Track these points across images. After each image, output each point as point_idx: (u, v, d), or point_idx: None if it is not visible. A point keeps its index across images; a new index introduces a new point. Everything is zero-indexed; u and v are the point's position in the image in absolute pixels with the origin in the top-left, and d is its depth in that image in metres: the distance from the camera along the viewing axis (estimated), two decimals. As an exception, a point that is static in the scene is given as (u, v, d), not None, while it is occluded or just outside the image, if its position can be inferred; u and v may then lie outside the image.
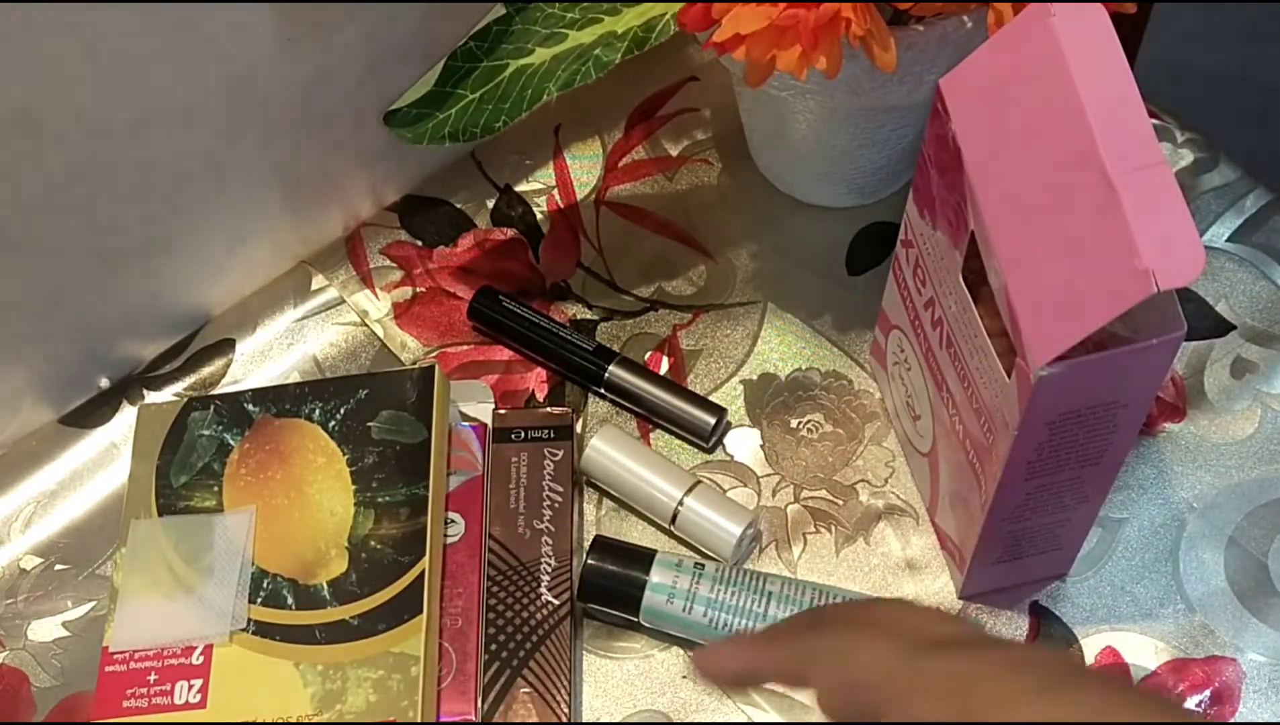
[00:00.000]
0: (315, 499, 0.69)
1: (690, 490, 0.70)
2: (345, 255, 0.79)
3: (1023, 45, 0.53)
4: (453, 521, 0.69)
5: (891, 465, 0.72)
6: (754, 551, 0.71)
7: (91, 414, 0.75)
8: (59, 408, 0.75)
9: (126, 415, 0.75)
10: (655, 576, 0.67)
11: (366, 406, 0.70)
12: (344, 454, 0.69)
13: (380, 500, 0.68)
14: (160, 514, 0.69)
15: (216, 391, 0.75)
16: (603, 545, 0.68)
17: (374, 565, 0.67)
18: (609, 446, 0.71)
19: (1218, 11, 1.11)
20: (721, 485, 0.72)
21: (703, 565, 0.67)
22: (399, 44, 0.72)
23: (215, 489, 0.70)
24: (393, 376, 0.71)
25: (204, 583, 0.67)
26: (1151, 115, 0.52)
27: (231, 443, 0.71)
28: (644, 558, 0.67)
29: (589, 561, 0.68)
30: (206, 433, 0.71)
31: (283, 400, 0.71)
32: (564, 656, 0.66)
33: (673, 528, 0.70)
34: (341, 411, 0.70)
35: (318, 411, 0.71)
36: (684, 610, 0.66)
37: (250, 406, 0.71)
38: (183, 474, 0.70)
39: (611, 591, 0.67)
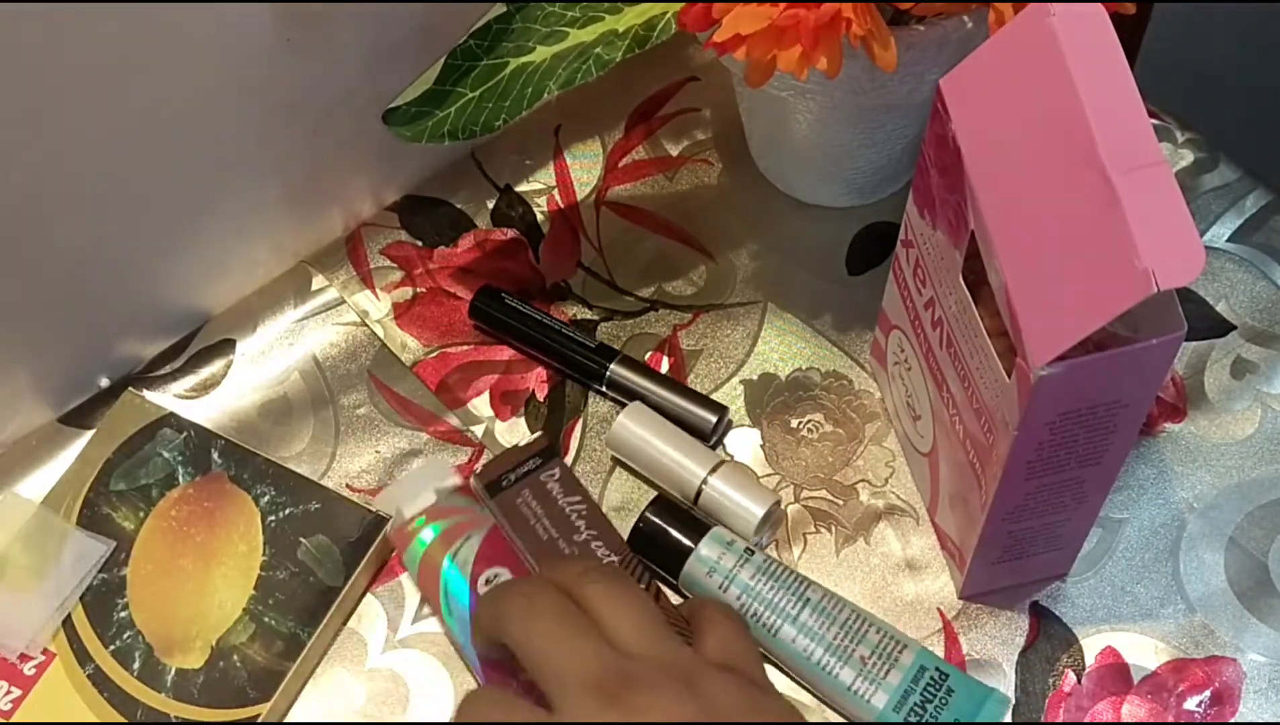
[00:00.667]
0: (214, 582, 0.68)
1: (715, 469, 0.70)
2: (345, 255, 0.79)
3: (1022, 45, 0.53)
4: (497, 575, 0.69)
5: (891, 465, 0.72)
6: (775, 534, 0.71)
7: (91, 413, 0.75)
8: (59, 407, 0.75)
9: (126, 415, 0.75)
10: (704, 548, 0.67)
11: (309, 520, 0.69)
12: (264, 554, 0.68)
13: (266, 620, 0.67)
14: (84, 506, 0.69)
15: (215, 396, 0.75)
16: (664, 505, 0.69)
17: (224, 680, 0.66)
18: (635, 423, 0.71)
19: (1218, 11, 1.11)
20: (721, 485, 0.72)
21: (752, 553, 0.68)
22: (399, 43, 0.72)
23: (140, 515, 0.69)
24: (349, 506, 0.70)
25: (29, 588, 0.67)
26: (1152, 115, 0.52)
27: (180, 479, 0.70)
28: (700, 528, 0.68)
29: (647, 513, 0.68)
30: (165, 455, 0.71)
31: (246, 467, 0.70)
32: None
33: (696, 506, 0.70)
34: (286, 511, 0.69)
35: (267, 498, 0.70)
36: (720, 587, 0.67)
37: (216, 455, 0.71)
38: (123, 481, 0.70)
39: (660, 546, 0.68)
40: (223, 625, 0.67)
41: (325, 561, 0.68)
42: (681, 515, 0.69)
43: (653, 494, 0.71)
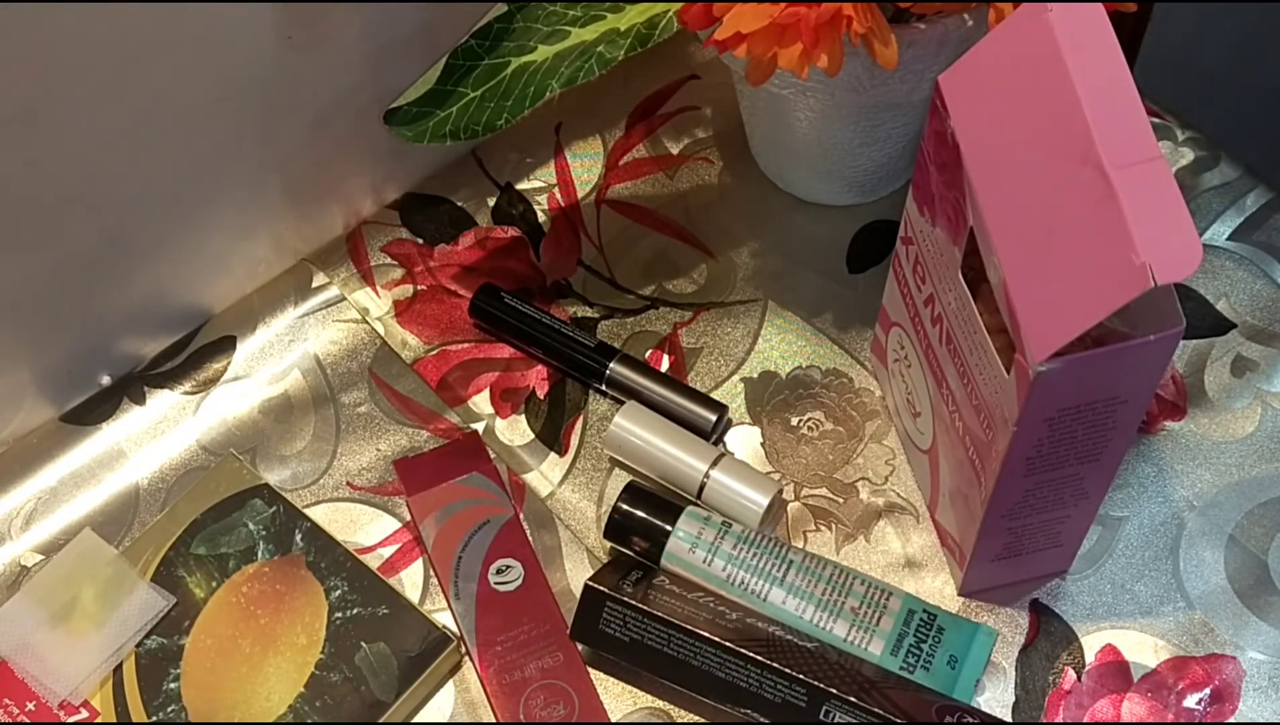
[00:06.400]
0: (267, 670, 0.66)
1: (716, 463, 0.70)
2: (346, 253, 0.79)
3: (1020, 41, 0.53)
4: (509, 566, 0.69)
5: (892, 463, 0.73)
6: (777, 523, 0.71)
7: (93, 411, 0.75)
8: (60, 405, 0.75)
9: (128, 413, 0.75)
10: (683, 524, 0.68)
11: (374, 625, 0.67)
12: (322, 652, 0.67)
13: (310, 721, 0.65)
14: (162, 563, 0.69)
15: (216, 394, 0.75)
16: (636, 490, 0.69)
17: None
18: (633, 423, 0.71)
19: (1218, 11, 1.11)
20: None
21: (730, 524, 0.68)
22: (400, 42, 0.72)
23: (213, 584, 0.68)
24: (416, 617, 0.67)
25: (87, 636, 0.66)
26: (1152, 114, 0.52)
27: (259, 554, 0.69)
28: (674, 508, 0.68)
29: (620, 504, 0.68)
30: (250, 526, 0.70)
31: (325, 555, 0.69)
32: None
33: (700, 501, 0.70)
34: (354, 610, 0.67)
35: (339, 593, 0.68)
36: (704, 562, 0.67)
37: (299, 537, 0.69)
38: (204, 546, 0.69)
39: (638, 531, 0.68)
40: (265, 719, 0.65)
41: (381, 672, 0.66)
42: (654, 499, 0.69)
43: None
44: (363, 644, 0.67)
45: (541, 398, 0.75)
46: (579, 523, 0.72)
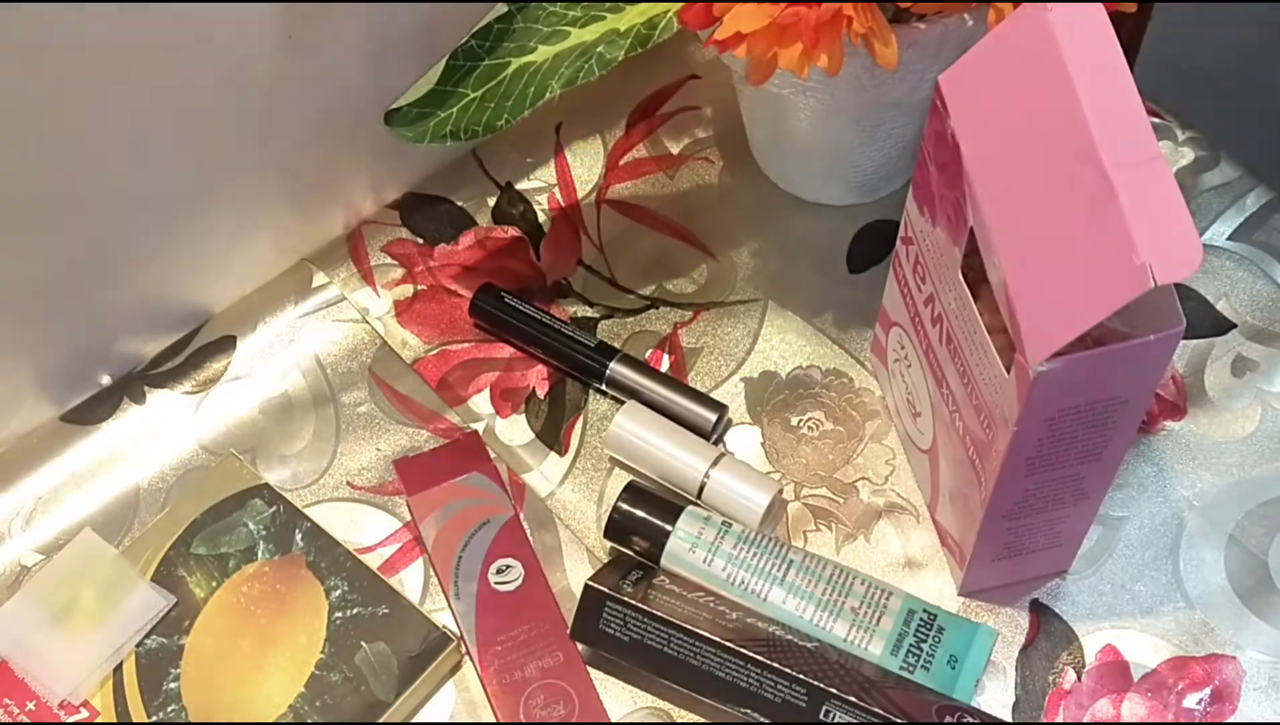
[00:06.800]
0: (267, 670, 0.66)
1: (716, 463, 0.70)
2: (346, 253, 0.79)
3: (1020, 41, 0.53)
4: (509, 566, 0.69)
5: (892, 463, 0.73)
6: (777, 523, 0.71)
7: (93, 411, 0.75)
8: (60, 405, 0.75)
9: (128, 413, 0.75)
10: (683, 524, 0.68)
11: (375, 624, 0.67)
12: (322, 652, 0.66)
13: (310, 721, 0.65)
14: (162, 563, 0.69)
15: (216, 393, 0.75)
16: (636, 490, 0.69)
17: None
18: (633, 423, 0.71)
19: (1218, 11, 1.11)
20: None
21: (730, 524, 0.68)
22: (400, 42, 0.72)
23: (213, 584, 0.68)
24: (416, 617, 0.67)
25: (87, 635, 0.66)
26: (1152, 114, 0.52)
27: (259, 554, 0.69)
28: (674, 508, 0.68)
29: (620, 504, 0.68)
30: (251, 526, 0.69)
31: (325, 555, 0.69)
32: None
33: (700, 500, 0.70)
34: (354, 610, 0.67)
35: (339, 592, 0.68)
36: (704, 562, 0.67)
37: (299, 537, 0.69)
38: (204, 546, 0.69)
39: (638, 531, 0.68)
40: (265, 719, 0.65)
41: (381, 672, 0.66)
42: (654, 499, 0.69)
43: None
44: (363, 644, 0.67)
45: (541, 397, 0.75)
46: (579, 523, 0.72)
